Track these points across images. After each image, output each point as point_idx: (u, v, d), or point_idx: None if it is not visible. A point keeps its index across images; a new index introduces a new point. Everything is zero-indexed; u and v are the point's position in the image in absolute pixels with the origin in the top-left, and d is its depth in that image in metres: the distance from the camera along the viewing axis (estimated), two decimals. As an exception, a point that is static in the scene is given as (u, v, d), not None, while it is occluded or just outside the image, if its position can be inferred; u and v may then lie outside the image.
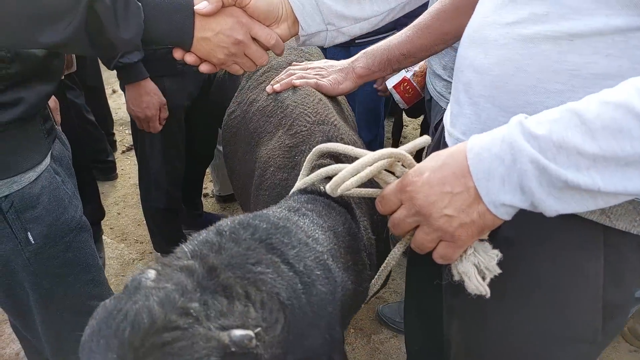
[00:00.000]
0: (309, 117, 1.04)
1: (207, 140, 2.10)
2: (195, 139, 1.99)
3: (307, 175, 0.80)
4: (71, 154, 1.12)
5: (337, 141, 1.00)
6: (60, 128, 1.08)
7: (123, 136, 3.24)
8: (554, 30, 0.60)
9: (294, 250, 0.59)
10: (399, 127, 2.84)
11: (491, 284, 0.61)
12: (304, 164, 0.83)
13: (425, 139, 0.71)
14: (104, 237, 2.22)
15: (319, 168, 0.80)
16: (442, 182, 0.55)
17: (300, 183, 0.81)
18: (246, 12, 0.79)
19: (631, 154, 0.46)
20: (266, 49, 0.84)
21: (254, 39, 0.81)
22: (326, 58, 1.60)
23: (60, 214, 0.97)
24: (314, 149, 0.81)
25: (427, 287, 0.92)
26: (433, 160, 0.58)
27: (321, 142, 0.98)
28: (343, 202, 0.80)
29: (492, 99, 0.68)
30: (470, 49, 0.73)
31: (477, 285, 0.60)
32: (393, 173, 0.67)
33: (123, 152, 3.07)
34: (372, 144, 2.06)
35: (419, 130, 2.91)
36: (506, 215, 0.55)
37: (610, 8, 0.54)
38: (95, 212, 2.07)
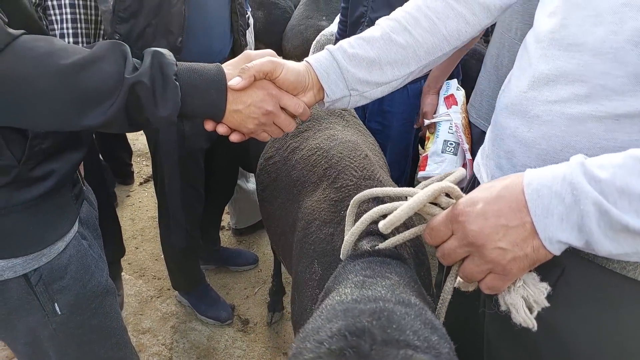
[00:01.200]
0: (355, 171, 1.05)
1: (228, 178, 2.11)
2: (217, 177, 2.00)
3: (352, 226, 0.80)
4: (97, 210, 1.11)
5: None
6: (86, 185, 1.08)
7: (141, 167, 3.24)
8: (598, 110, 0.62)
9: (413, 334, 0.53)
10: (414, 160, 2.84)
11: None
12: (347, 217, 0.84)
13: (462, 172, 0.73)
14: (122, 273, 2.19)
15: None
16: (497, 214, 0.56)
17: (348, 236, 0.80)
18: (275, 84, 0.82)
19: None
20: (293, 116, 0.87)
21: (283, 109, 0.84)
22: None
23: (87, 281, 0.95)
24: (352, 200, 0.82)
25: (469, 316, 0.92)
26: (486, 191, 0.58)
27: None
28: (395, 254, 0.79)
29: (528, 163, 0.71)
30: (510, 119, 0.75)
31: (525, 318, 0.59)
32: (437, 204, 0.68)
33: (141, 183, 3.07)
34: (399, 180, 2.05)
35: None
36: (558, 251, 0.55)
37: None
38: (116, 251, 2.05)
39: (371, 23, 1.95)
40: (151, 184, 3.01)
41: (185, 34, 1.47)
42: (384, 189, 0.80)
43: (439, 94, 1.76)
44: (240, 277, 2.35)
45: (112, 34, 1.47)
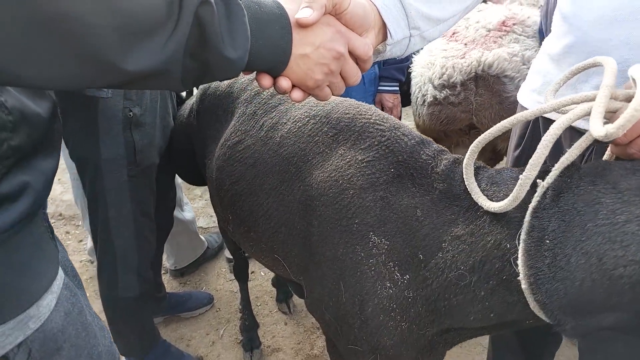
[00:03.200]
0: (380, 124, 0.88)
1: (168, 202, 1.75)
2: (156, 203, 1.63)
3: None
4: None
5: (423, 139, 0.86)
6: None
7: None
8: None
9: None
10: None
11: None
12: (466, 174, 0.71)
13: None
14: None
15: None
16: None
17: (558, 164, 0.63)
18: (341, 20, 0.64)
19: None
20: (359, 64, 0.68)
21: (350, 52, 0.66)
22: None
23: (92, 347, 0.66)
24: (471, 149, 0.70)
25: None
26: None
27: (412, 145, 0.83)
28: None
29: None
30: (613, 29, 0.72)
31: None
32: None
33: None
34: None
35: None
36: None
37: None
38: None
39: None
40: (72, 219, 2.45)
41: None
42: (524, 113, 0.66)
43: None
44: (198, 323, 1.98)
45: None
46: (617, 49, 0.74)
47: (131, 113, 1.22)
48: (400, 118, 2.04)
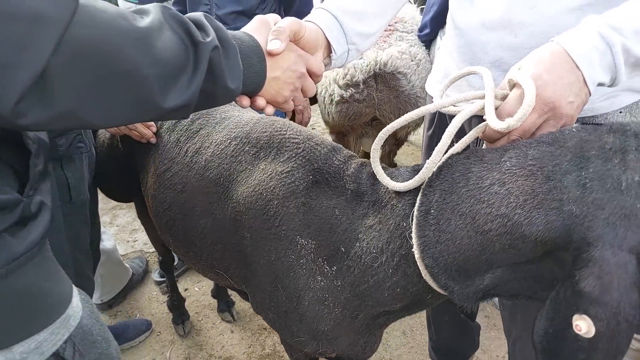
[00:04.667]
0: (295, 137, 0.99)
1: (95, 232, 1.70)
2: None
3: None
4: None
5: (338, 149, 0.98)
6: None
7: None
8: (568, 6, 0.81)
9: None
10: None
11: None
12: (373, 157, 0.83)
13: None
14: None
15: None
16: (559, 77, 0.67)
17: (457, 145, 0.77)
18: (298, 45, 0.78)
19: None
20: (314, 79, 0.83)
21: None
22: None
23: (111, 340, 0.78)
24: (380, 134, 0.80)
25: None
26: (539, 65, 0.69)
27: (325, 153, 0.94)
28: None
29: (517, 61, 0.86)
30: (490, 34, 0.91)
31: None
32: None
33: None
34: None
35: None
36: (593, 90, 0.71)
37: None
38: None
39: (219, 20, 1.90)
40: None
41: None
42: (427, 106, 0.78)
43: None
44: (141, 351, 1.96)
45: None
46: (494, 49, 0.93)
47: (61, 149, 1.19)
48: (309, 118, 2.18)
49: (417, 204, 0.75)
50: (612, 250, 0.56)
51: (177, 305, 2.04)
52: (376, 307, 0.89)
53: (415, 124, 2.38)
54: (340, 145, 1.00)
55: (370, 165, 0.86)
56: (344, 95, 2.28)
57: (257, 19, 0.75)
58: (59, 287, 0.65)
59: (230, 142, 1.06)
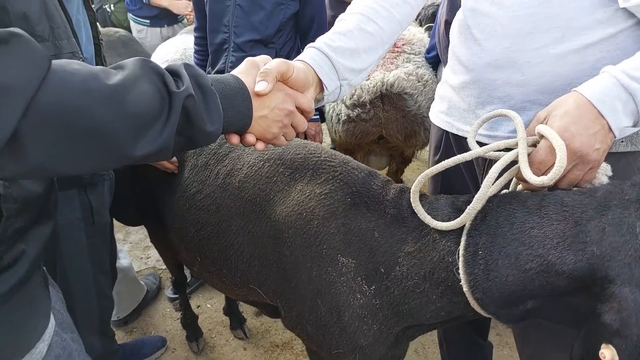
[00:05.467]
0: (331, 160, 1.04)
1: (113, 253, 1.73)
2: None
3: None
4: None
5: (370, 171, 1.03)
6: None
7: None
8: (572, 46, 0.88)
9: None
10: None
11: None
12: (413, 199, 0.89)
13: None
14: None
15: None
16: (585, 128, 0.75)
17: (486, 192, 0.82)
18: (287, 84, 0.82)
19: None
20: (304, 115, 0.86)
21: (297, 108, 0.83)
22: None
23: None
24: (418, 180, 0.88)
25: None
26: (565, 117, 0.76)
27: (363, 177, 1.00)
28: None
29: (537, 101, 0.95)
30: (498, 72, 0.97)
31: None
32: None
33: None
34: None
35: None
36: (619, 135, 0.79)
37: (602, 23, 0.85)
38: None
39: (237, 48, 1.95)
40: None
41: None
42: (464, 155, 0.85)
43: None
44: (156, 369, 1.96)
45: None
46: (502, 86, 0.99)
47: (85, 177, 1.23)
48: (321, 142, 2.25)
49: (462, 244, 0.82)
50: (630, 288, 0.65)
51: (190, 323, 2.06)
52: (414, 323, 0.94)
53: (422, 143, 2.45)
54: (376, 171, 1.06)
55: (409, 192, 0.92)
56: (351, 115, 2.34)
57: (247, 61, 0.80)
58: (19, 337, 0.66)
59: (264, 164, 1.11)
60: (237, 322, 2.12)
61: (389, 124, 2.37)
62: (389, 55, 2.42)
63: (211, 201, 1.17)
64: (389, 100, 2.28)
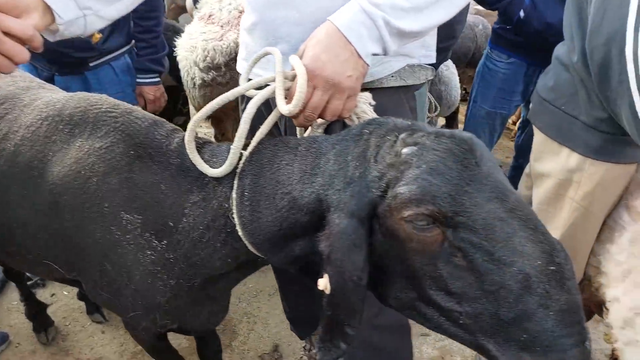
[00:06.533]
0: (111, 111, 0.96)
1: None
2: None
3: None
4: None
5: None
6: None
7: None
8: None
9: None
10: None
11: None
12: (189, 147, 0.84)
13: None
14: None
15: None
16: (336, 55, 0.75)
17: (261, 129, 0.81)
18: None
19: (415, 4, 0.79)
20: (23, 43, 0.74)
21: (6, 34, 0.71)
22: (57, 85, 1.41)
23: None
24: (192, 120, 0.83)
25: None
26: (316, 46, 0.75)
27: (147, 127, 0.93)
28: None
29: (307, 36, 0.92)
30: (277, 11, 0.96)
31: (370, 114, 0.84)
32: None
33: None
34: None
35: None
36: (370, 61, 0.79)
37: None
38: None
39: None
40: None
41: None
42: (237, 89, 0.82)
43: None
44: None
45: None
46: (282, 25, 0.97)
47: None
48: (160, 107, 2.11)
49: (234, 187, 0.80)
50: (337, 214, 0.65)
51: (35, 313, 1.88)
52: (211, 273, 0.92)
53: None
54: (163, 119, 0.99)
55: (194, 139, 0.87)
56: (206, 79, 2.22)
57: None
58: None
59: (42, 123, 0.98)
60: (93, 306, 1.98)
61: (248, 85, 2.30)
62: (242, 15, 2.33)
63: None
64: (243, 60, 2.21)
